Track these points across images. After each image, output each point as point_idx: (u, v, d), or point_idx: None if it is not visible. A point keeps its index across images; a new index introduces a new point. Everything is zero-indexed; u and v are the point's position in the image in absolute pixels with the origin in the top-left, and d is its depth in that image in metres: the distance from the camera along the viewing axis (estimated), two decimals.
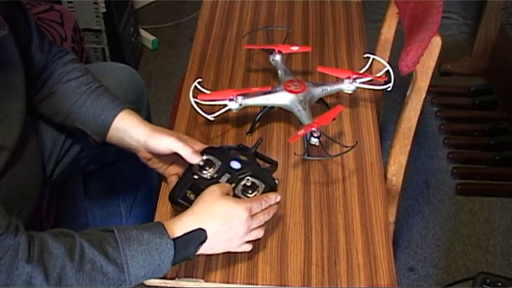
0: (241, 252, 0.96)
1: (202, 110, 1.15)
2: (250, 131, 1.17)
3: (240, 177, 0.99)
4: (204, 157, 1.01)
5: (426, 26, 1.12)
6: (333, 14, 1.53)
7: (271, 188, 0.99)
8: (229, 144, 1.11)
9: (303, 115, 1.14)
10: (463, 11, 2.73)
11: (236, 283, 0.94)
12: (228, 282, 0.94)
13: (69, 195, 1.84)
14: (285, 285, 0.94)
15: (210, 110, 1.16)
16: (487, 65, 2.36)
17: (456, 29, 2.66)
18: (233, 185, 0.98)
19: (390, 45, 1.51)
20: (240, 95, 1.14)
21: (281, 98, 1.16)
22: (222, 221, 0.88)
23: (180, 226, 0.87)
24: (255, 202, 0.92)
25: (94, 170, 1.41)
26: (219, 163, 1.01)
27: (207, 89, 1.19)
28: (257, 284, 0.94)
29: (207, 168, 1.00)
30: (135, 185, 1.48)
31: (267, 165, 1.07)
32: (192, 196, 0.97)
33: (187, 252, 0.87)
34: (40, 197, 1.18)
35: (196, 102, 1.15)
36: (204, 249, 0.89)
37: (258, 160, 1.06)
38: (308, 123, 1.12)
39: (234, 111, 1.15)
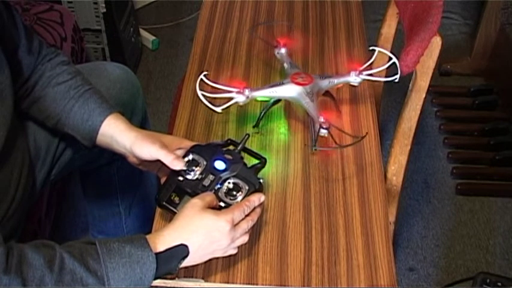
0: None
1: (210, 103, 1.12)
2: (257, 125, 1.16)
3: (224, 178, 0.97)
4: (190, 157, 0.99)
5: (426, 26, 1.12)
6: (333, 14, 1.53)
7: (256, 189, 0.96)
8: (218, 141, 1.09)
9: (311, 107, 1.13)
10: (463, 11, 2.73)
11: (236, 283, 0.94)
12: (228, 282, 0.94)
13: (69, 195, 1.84)
14: (285, 285, 0.94)
15: (215, 104, 1.14)
16: (487, 65, 2.36)
17: (456, 29, 2.66)
18: (217, 186, 0.96)
19: (390, 46, 1.51)
20: (247, 87, 1.12)
21: (288, 91, 1.15)
22: (204, 235, 0.87)
23: (162, 241, 0.86)
24: (236, 211, 0.90)
25: (91, 170, 1.41)
26: (205, 163, 0.99)
27: (213, 82, 1.17)
28: (257, 284, 0.94)
29: (193, 168, 0.98)
30: (133, 184, 1.47)
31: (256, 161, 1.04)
32: (176, 199, 0.96)
33: (170, 267, 0.86)
34: (32, 199, 1.18)
35: (203, 95, 1.13)
36: (187, 262, 0.88)
37: (247, 156, 1.04)
38: (316, 114, 1.11)
39: (241, 104, 1.13)
